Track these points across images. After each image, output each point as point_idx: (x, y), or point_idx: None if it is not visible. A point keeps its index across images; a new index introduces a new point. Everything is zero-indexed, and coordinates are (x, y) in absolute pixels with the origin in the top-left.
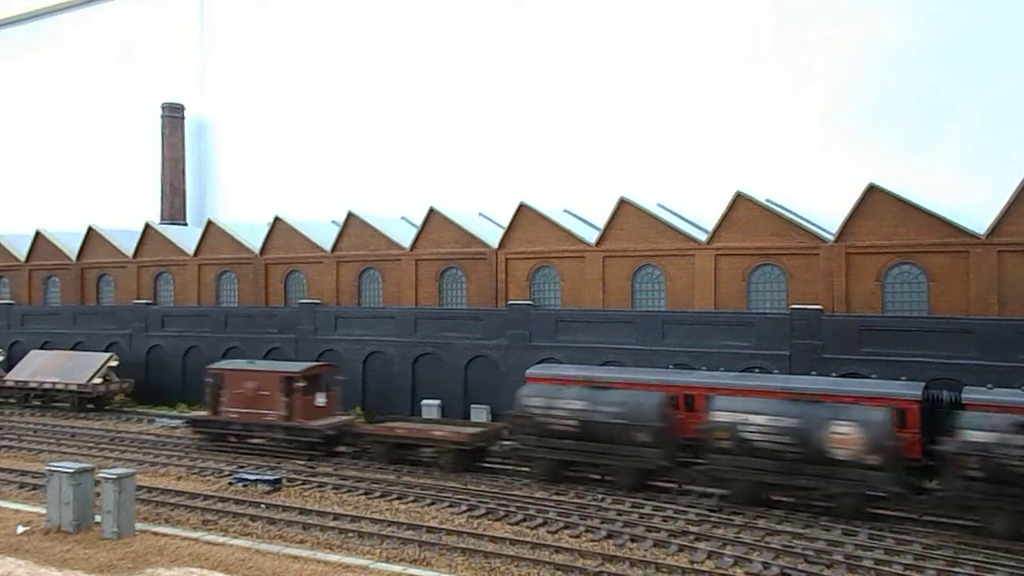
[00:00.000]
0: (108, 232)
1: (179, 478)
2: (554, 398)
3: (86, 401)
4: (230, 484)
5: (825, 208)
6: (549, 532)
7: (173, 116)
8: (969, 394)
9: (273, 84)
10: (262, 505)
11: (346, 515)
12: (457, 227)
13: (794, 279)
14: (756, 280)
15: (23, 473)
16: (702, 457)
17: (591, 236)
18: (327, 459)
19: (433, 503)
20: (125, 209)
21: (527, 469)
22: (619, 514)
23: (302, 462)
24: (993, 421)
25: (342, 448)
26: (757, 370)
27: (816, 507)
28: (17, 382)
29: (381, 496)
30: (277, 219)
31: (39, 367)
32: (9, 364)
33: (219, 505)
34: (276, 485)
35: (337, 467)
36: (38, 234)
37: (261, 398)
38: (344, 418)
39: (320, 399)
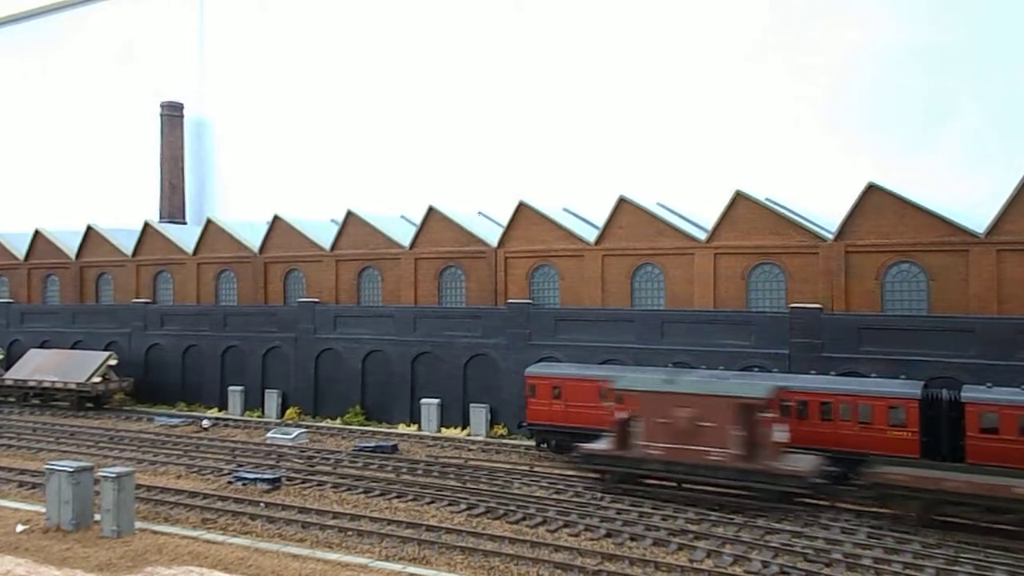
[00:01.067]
0: (107, 231)
1: (178, 477)
2: None
3: (85, 400)
4: (229, 483)
5: (824, 207)
6: (548, 531)
7: (172, 114)
8: (968, 393)
9: (273, 83)
10: (261, 504)
11: (345, 514)
12: (456, 226)
13: (793, 278)
14: (755, 279)
15: (22, 472)
16: None
17: (590, 235)
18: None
19: (432, 501)
20: (124, 208)
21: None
22: (618, 513)
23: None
24: None
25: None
26: (757, 369)
27: None
28: (16, 381)
29: (380, 495)
30: (276, 218)
31: (38, 366)
32: (8, 363)
33: (218, 504)
34: (275, 484)
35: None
36: (37, 233)
37: (700, 431)
38: (811, 457)
39: (779, 433)
